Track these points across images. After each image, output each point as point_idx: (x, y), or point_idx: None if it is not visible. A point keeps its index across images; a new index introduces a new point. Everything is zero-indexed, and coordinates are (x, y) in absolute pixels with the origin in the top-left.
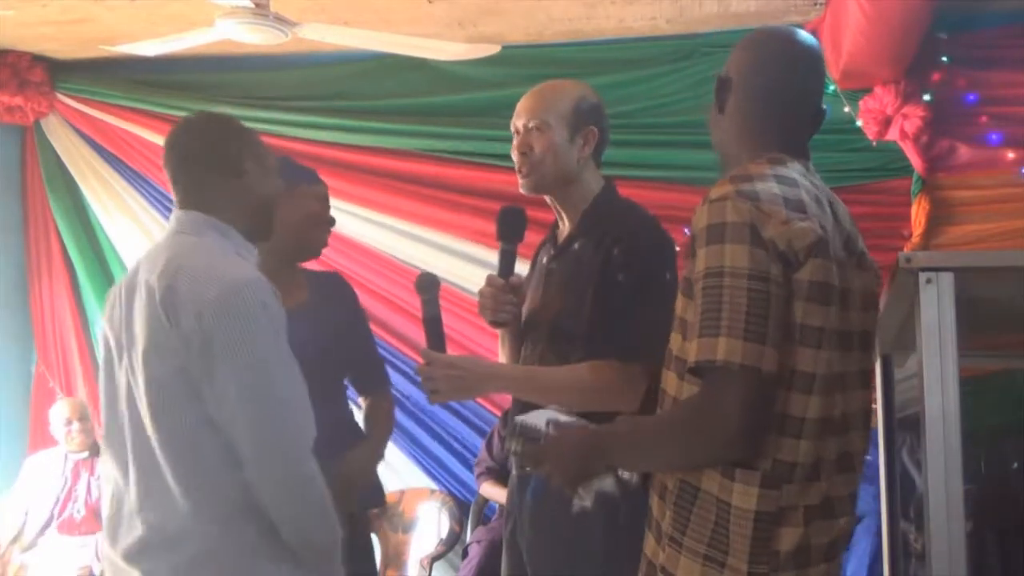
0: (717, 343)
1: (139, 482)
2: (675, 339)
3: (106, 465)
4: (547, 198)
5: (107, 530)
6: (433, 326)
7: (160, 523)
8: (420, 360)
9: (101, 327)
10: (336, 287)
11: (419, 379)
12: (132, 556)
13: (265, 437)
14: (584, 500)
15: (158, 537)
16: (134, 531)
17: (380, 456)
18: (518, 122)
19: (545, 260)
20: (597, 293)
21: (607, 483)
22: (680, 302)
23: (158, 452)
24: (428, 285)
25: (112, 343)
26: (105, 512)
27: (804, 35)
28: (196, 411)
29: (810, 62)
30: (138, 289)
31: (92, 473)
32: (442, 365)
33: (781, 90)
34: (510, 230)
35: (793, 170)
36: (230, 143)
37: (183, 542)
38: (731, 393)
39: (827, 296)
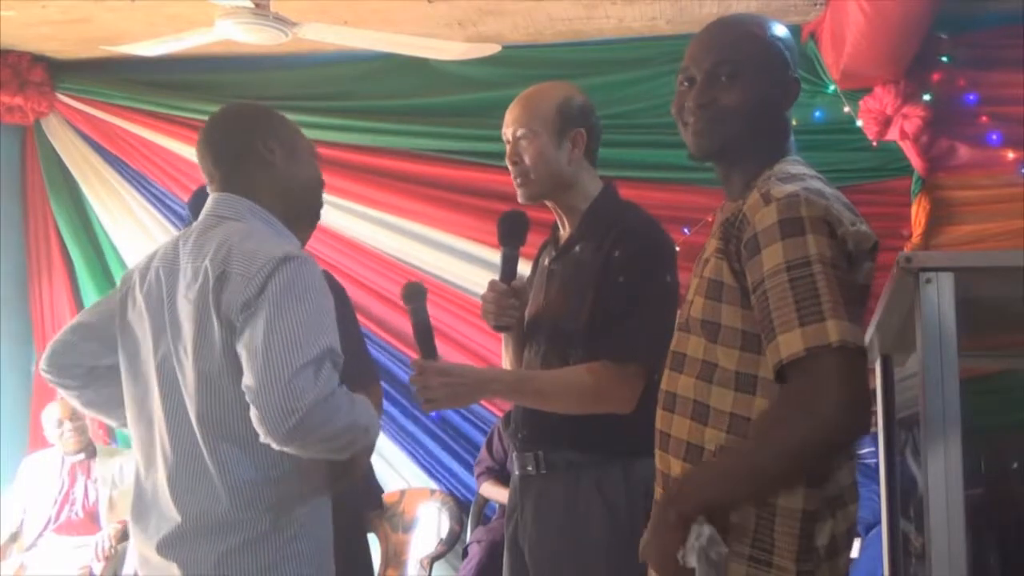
0: (826, 327)
1: (178, 473)
2: (691, 341)
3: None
4: (547, 203)
5: (135, 520)
6: (423, 335)
7: (203, 513)
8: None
9: (129, 305)
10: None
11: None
12: (168, 546)
13: (274, 354)
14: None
15: (201, 526)
16: (170, 522)
17: None
18: (506, 132)
19: (547, 262)
20: (597, 295)
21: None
22: (704, 305)
23: (203, 445)
24: (415, 294)
25: (148, 330)
26: (131, 506)
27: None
28: (245, 405)
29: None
30: (181, 274)
31: (89, 476)
32: (435, 373)
33: (794, 86)
34: (512, 234)
35: (812, 170)
36: (256, 132)
37: (230, 531)
38: (851, 370)
39: (865, 298)
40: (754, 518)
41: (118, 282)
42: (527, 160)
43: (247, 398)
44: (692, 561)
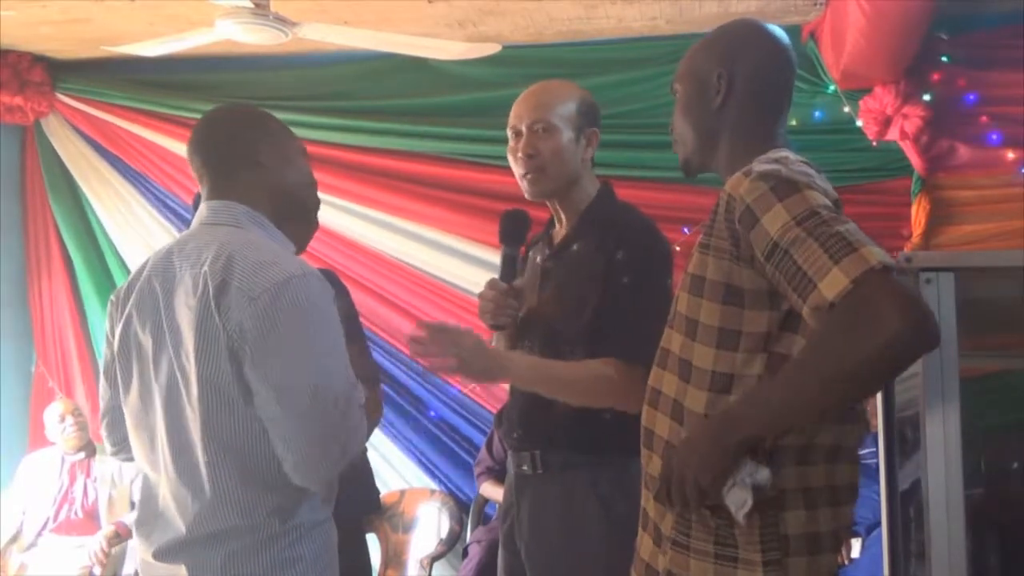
0: (861, 254)
1: (180, 485)
2: (675, 339)
3: (138, 464)
4: (547, 200)
5: (139, 526)
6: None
7: (206, 522)
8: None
9: (118, 324)
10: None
11: (424, 363)
12: (172, 553)
13: (302, 410)
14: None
15: (205, 534)
16: (174, 531)
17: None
18: (520, 124)
19: (539, 260)
20: (599, 295)
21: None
22: (687, 301)
23: (203, 455)
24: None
25: (145, 340)
26: (136, 511)
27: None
28: (249, 413)
29: (794, 59)
30: (179, 283)
31: (88, 476)
32: (473, 341)
33: (786, 87)
34: (513, 234)
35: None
36: (245, 133)
37: (234, 537)
38: (902, 285)
39: None
40: (711, 515)
41: (114, 282)
42: (545, 153)
43: (278, 450)
44: (743, 496)
